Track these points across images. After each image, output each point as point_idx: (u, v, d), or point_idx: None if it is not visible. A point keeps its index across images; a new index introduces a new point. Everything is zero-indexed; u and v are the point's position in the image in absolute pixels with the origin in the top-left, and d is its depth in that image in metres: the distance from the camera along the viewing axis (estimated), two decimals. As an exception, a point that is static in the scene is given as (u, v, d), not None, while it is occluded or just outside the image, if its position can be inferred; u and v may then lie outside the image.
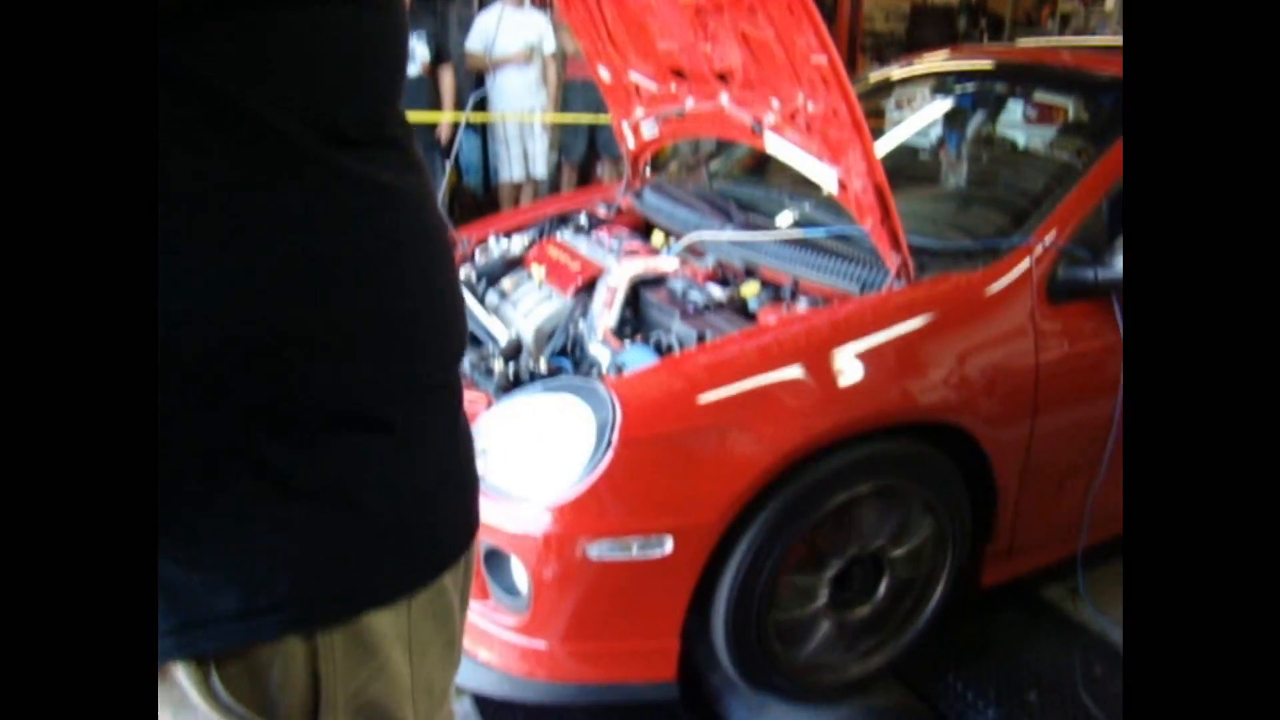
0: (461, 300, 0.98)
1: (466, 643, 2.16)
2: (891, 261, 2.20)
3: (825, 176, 2.30)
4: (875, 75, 3.72)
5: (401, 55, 0.89)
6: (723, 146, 3.65)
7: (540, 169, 6.39)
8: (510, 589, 2.09)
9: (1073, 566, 2.51)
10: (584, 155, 6.72)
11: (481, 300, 2.80)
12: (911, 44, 11.30)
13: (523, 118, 6.15)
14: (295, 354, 0.76)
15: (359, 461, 0.81)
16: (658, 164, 3.45)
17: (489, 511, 2.01)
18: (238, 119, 0.71)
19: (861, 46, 9.70)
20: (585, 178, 6.87)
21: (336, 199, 0.77)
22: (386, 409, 0.83)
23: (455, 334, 0.93)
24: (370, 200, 0.80)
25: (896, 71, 3.70)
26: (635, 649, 2.10)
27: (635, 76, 2.99)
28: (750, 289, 2.41)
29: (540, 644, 2.07)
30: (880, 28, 12.07)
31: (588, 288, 2.58)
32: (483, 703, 2.32)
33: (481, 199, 6.93)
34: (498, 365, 2.32)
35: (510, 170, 6.38)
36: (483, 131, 6.42)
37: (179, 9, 0.66)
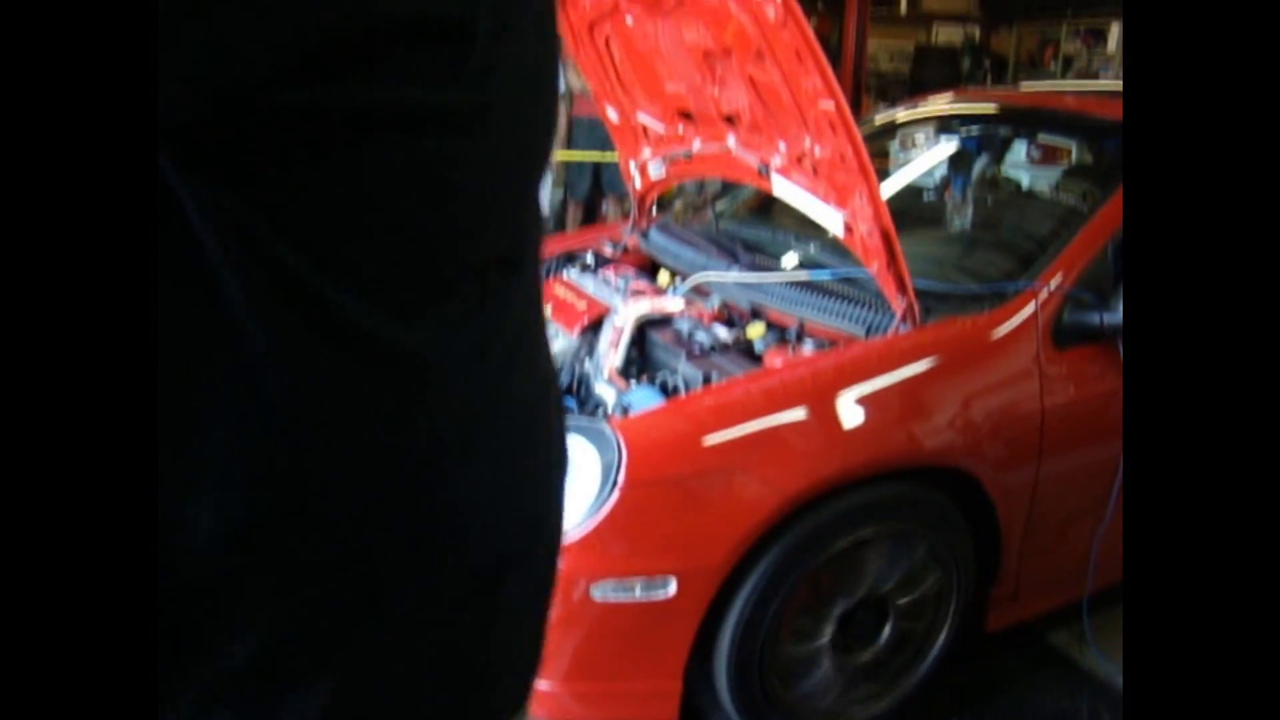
0: (545, 475, 0.88)
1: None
2: (897, 305, 2.21)
3: (831, 220, 2.31)
4: (880, 117, 3.75)
5: (510, 180, 0.73)
6: (728, 187, 3.67)
7: (544, 206, 6.42)
8: (513, 629, 2.07)
9: (1079, 611, 2.49)
10: (589, 192, 6.75)
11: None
12: (915, 84, 11.40)
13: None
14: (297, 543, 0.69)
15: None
16: (663, 203, 3.47)
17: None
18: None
19: (866, 86, 9.78)
20: (590, 215, 6.91)
21: (352, 382, 0.67)
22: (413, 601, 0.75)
23: (521, 517, 0.84)
24: (399, 380, 0.69)
25: (901, 114, 3.73)
26: (637, 690, 2.08)
27: (643, 118, 3.01)
28: (756, 330, 2.42)
29: (543, 684, 2.06)
30: (885, 67, 12.19)
31: (594, 327, 2.59)
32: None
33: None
34: (503, 404, 2.32)
35: None
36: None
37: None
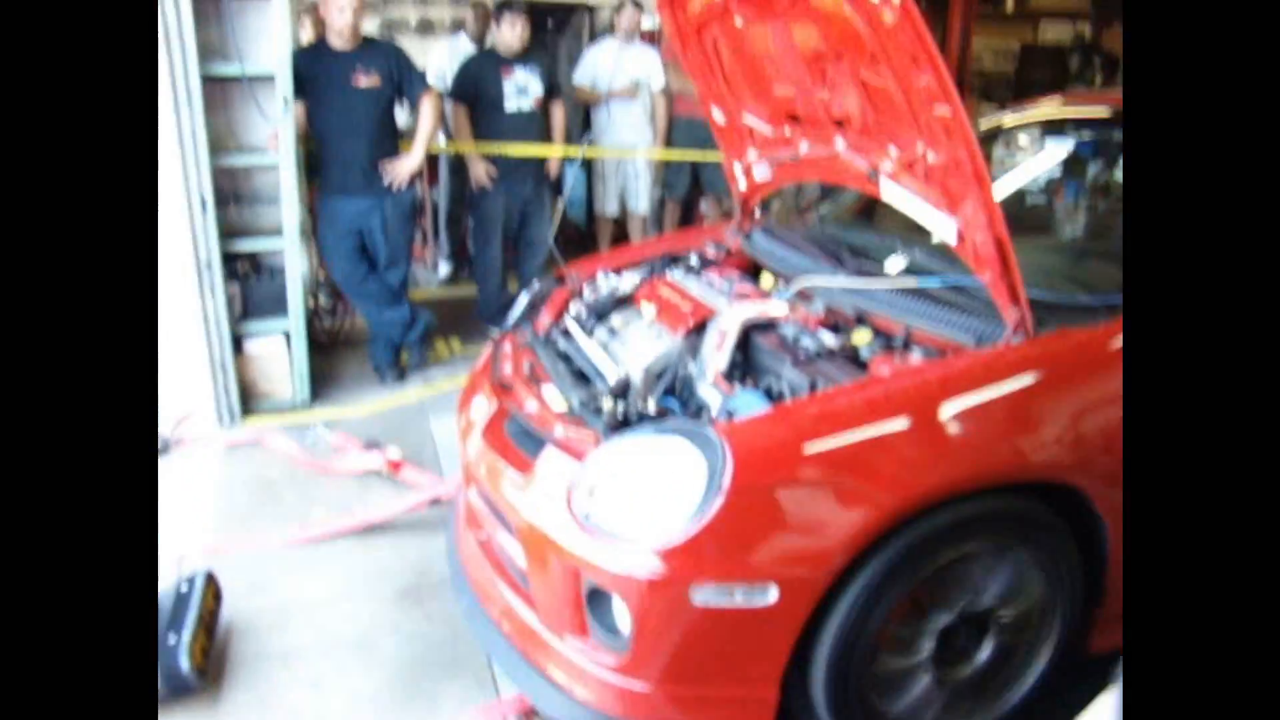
0: None
1: (563, 679, 2.19)
2: (1010, 316, 2.16)
3: (944, 226, 2.27)
4: (987, 122, 3.67)
5: None
6: (828, 190, 3.63)
7: (643, 205, 6.45)
8: (611, 629, 2.09)
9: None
10: (687, 192, 6.76)
11: (591, 336, 2.83)
12: (1021, 84, 11.13)
13: (625, 154, 6.23)
14: None
15: None
16: (765, 205, 3.45)
17: (594, 550, 2.03)
18: None
19: (970, 87, 9.59)
20: (688, 214, 6.91)
21: None
22: None
23: None
24: None
25: (1009, 117, 3.65)
26: (734, 696, 2.08)
27: (749, 119, 3.00)
28: (862, 337, 2.39)
29: (639, 685, 2.07)
30: (989, 67, 11.92)
31: (698, 329, 2.58)
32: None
33: (584, 232, 7.02)
34: (606, 404, 2.33)
35: (605, 205, 6.47)
36: (588, 165, 6.52)
37: None
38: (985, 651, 2.27)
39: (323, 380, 4.68)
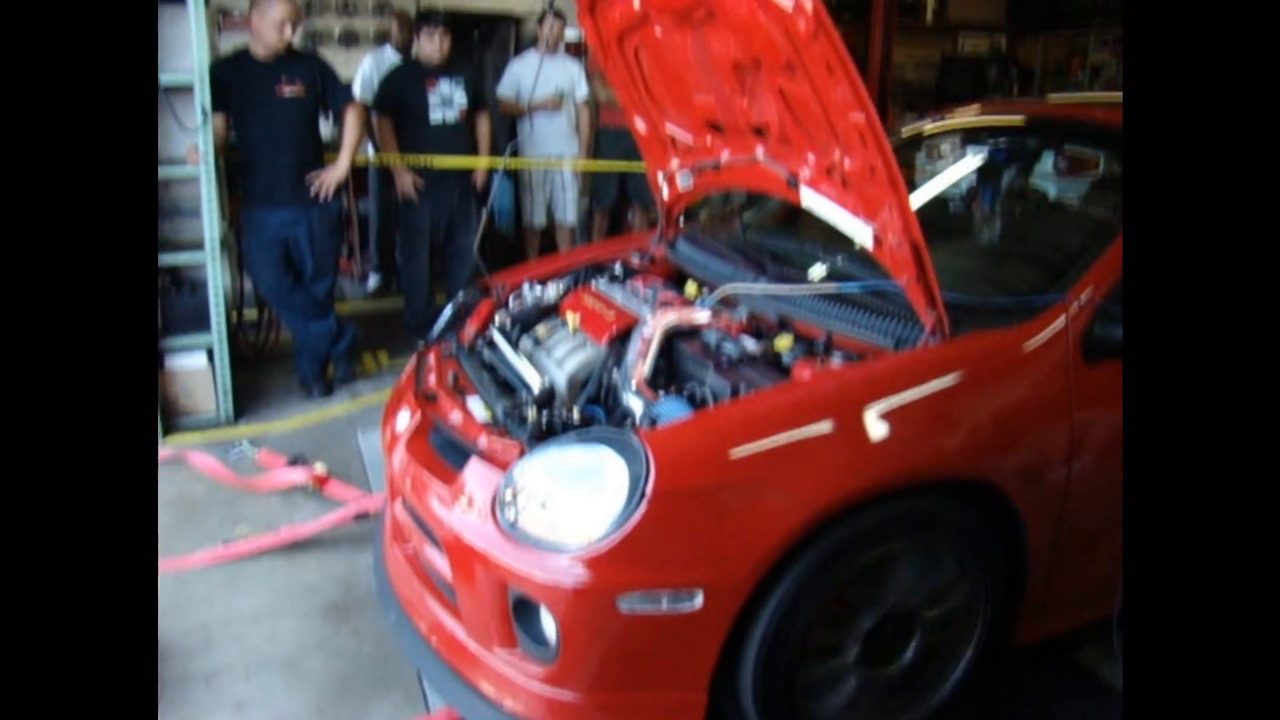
0: None
1: (493, 691, 2.18)
2: (927, 318, 2.20)
3: (861, 232, 2.30)
4: (907, 129, 3.74)
5: None
6: (754, 197, 3.66)
7: (571, 215, 6.46)
8: (539, 639, 2.08)
9: (1108, 628, 2.47)
10: (615, 202, 6.78)
11: (515, 346, 2.82)
12: (941, 94, 11.35)
13: (552, 164, 6.22)
14: None
15: None
16: (689, 213, 3.47)
17: (519, 560, 2.02)
18: None
19: (892, 96, 9.74)
20: (616, 224, 6.93)
21: None
22: None
23: None
24: None
25: (929, 125, 3.72)
26: (663, 702, 2.08)
27: (671, 128, 3.02)
28: (784, 343, 2.42)
29: (568, 695, 2.06)
30: (910, 77, 12.12)
31: (622, 337, 2.59)
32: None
33: (513, 243, 7.00)
34: (531, 413, 2.33)
35: (532, 216, 6.46)
36: (515, 177, 6.51)
37: None
38: (912, 650, 2.30)
39: (247, 395, 4.60)
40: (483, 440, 2.31)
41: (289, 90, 4.31)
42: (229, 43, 5.40)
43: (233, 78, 4.22)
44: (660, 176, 3.23)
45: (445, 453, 2.44)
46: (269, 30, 4.21)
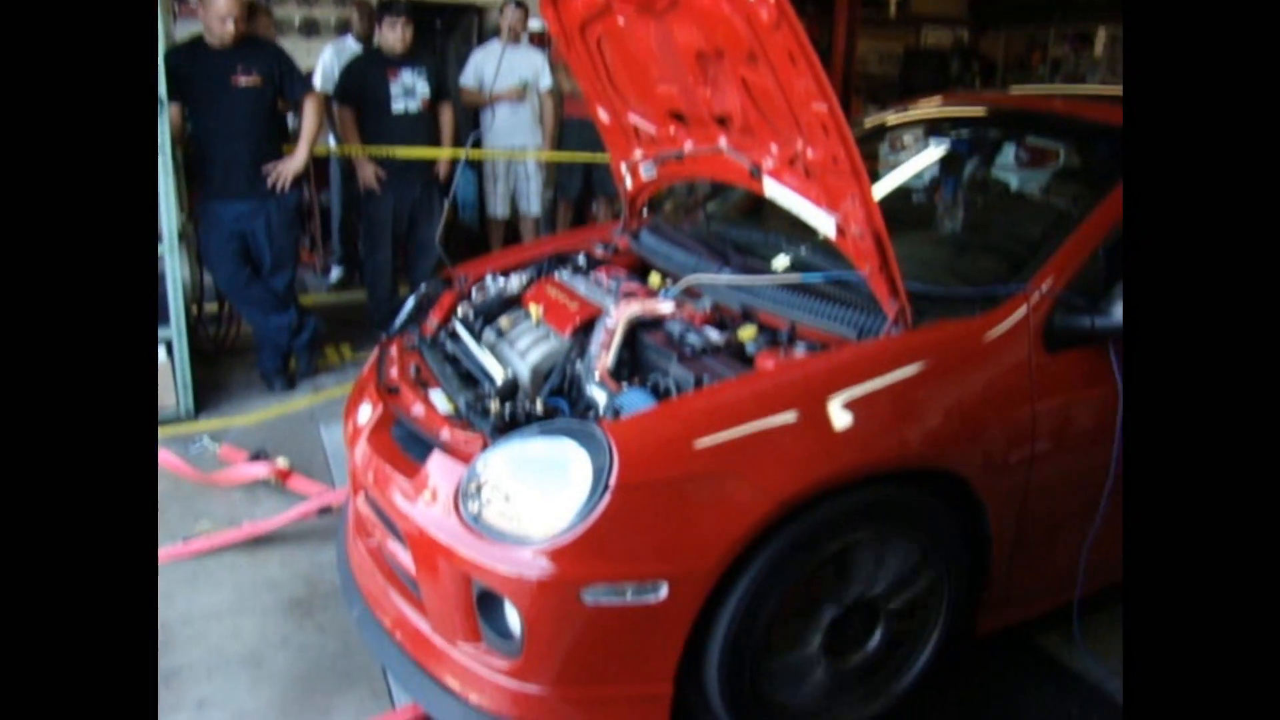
0: None
1: (457, 686, 2.16)
2: (889, 308, 2.21)
3: (823, 222, 2.31)
4: (870, 120, 3.75)
5: None
6: (719, 188, 3.66)
7: (535, 207, 6.43)
8: (503, 632, 2.07)
9: (1069, 614, 2.50)
10: (579, 193, 6.75)
11: (478, 338, 2.80)
12: (904, 86, 11.43)
13: (516, 155, 6.19)
14: None
15: None
16: (654, 203, 3.46)
17: (482, 553, 2.00)
18: None
19: (855, 88, 9.79)
20: (581, 215, 6.90)
21: None
22: None
23: None
24: None
25: (892, 116, 3.73)
26: (629, 694, 2.08)
27: (634, 119, 3.00)
28: (748, 333, 2.41)
29: (533, 688, 2.05)
30: (874, 70, 12.21)
31: (585, 328, 2.58)
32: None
33: (477, 234, 6.96)
34: (493, 405, 2.31)
35: (495, 207, 6.43)
36: (478, 168, 6.47)
37: None
38: (876, 639, 2.31)
39: (208, 390, 4.54)
40: (445, 433, 2.29)
41: (245, 80, 4.24)
42: (185, 30, 5.31)
43: (188, 66, 4.15)
44: (624, 167, 3.21)
45: (408, 446, 2.41)
46: (214, 22, 4.14)
